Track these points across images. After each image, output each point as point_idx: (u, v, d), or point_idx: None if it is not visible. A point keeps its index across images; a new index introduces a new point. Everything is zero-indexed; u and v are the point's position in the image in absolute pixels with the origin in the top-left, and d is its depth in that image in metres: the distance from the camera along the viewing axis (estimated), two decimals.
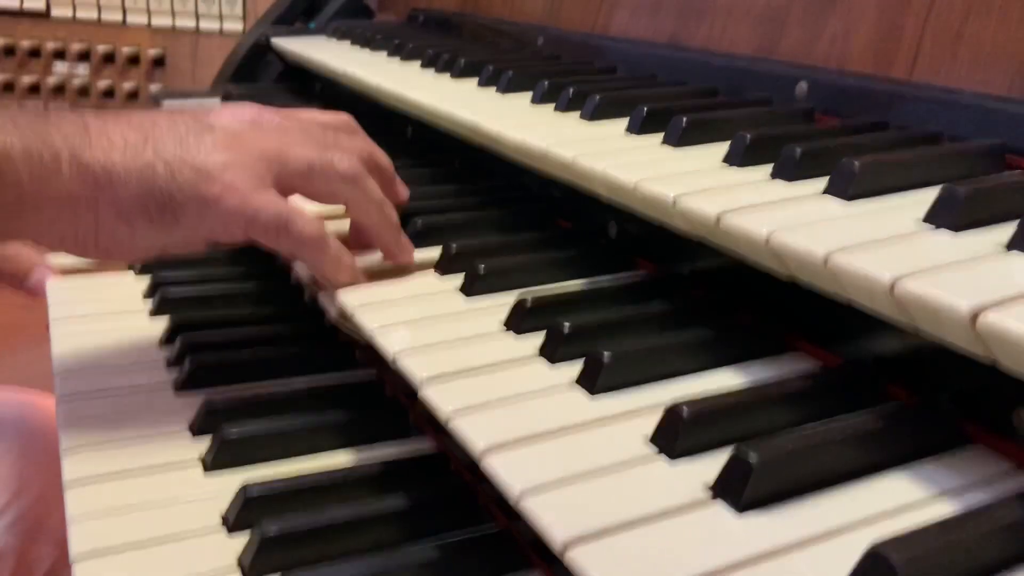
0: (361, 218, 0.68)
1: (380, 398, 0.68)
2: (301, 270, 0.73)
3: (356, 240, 0.72)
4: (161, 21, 2.03)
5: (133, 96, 2.13)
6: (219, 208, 0.60)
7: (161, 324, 0.78)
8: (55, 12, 2.05)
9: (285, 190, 0.64)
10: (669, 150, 0.65)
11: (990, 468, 0.44)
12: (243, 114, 0.65)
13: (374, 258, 0.70)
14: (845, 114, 0.70)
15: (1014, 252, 0.44)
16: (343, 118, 0.73)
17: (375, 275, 0.68)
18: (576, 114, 0.77)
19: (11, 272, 0.87)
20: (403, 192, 0.75)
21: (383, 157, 0.72)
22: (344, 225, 0.71)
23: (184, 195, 0.59)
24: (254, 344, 0.74)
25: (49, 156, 0.57)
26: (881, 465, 0.44)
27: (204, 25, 2.02)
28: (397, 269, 0.70)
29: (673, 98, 0.78)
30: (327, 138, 0.67)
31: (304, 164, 0.63)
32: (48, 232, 0.60)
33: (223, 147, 0.61)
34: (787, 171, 0.56)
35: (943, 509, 0.41)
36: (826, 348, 0.54)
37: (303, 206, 0.64)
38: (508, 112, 0.80)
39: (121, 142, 0.59)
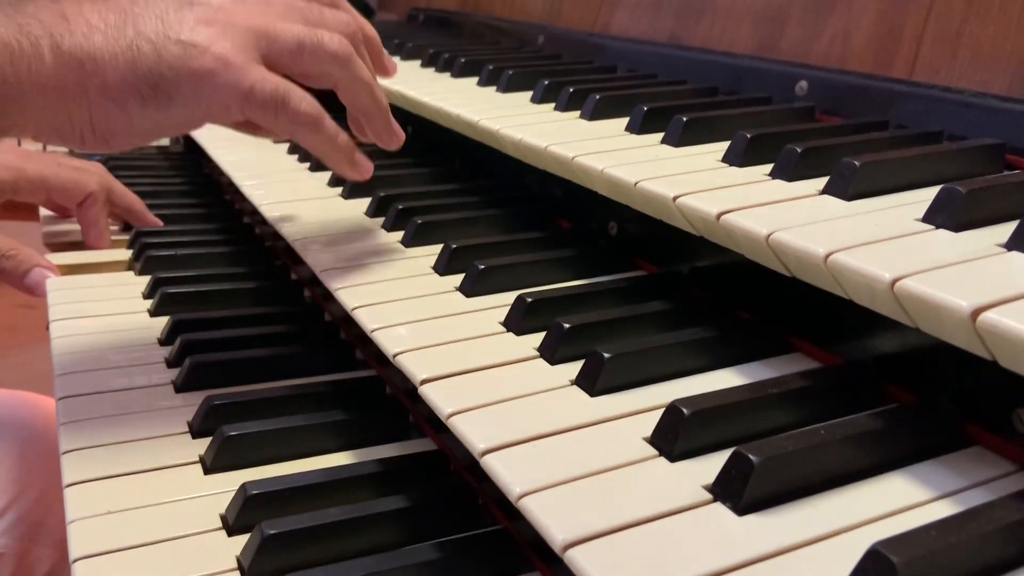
0: (351, 100, 0.66)
1: (380, 398, 0.68)
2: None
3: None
4: None
5: None
6: (214, 83, 0.58)
7: (161, 324, 0.78)
8: None
9: (272, 70, 0.62)
10: (669, 149, 0.65)
11: (990, 468, 0.44)
12: None
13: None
14: (845, 113, 0.70)
15: (1014, 252, 0.44)
16: None
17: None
18: (576, 113, 0.77)
19: (10, 269, 0.87)
20: (391, 65, 0.74)
21: (370, 28, 0.70)
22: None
23: (175, 72, 0.57)
24: (254, 344, 0.74)
25: (28, 45, 0.55)
26: (881, 466, 0.44)
27: None
28: (396, 268, 0.70)
29: (673, 97, 0.78)
30: (312, 13, 0.65)
31: (294, 42, 0.61)
32: (41, 125, 0.57)
33: (206, 22, 0.59)
34: (787, 170, 0.56)
35: (943, 509, 0.41)
36: (826, 348, 0.54)
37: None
38: (508, 111, 0.80)
39: (101, 24, 0.57)
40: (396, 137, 0.69)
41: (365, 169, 0.66)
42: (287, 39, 0.61)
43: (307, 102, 0.61)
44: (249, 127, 0.69)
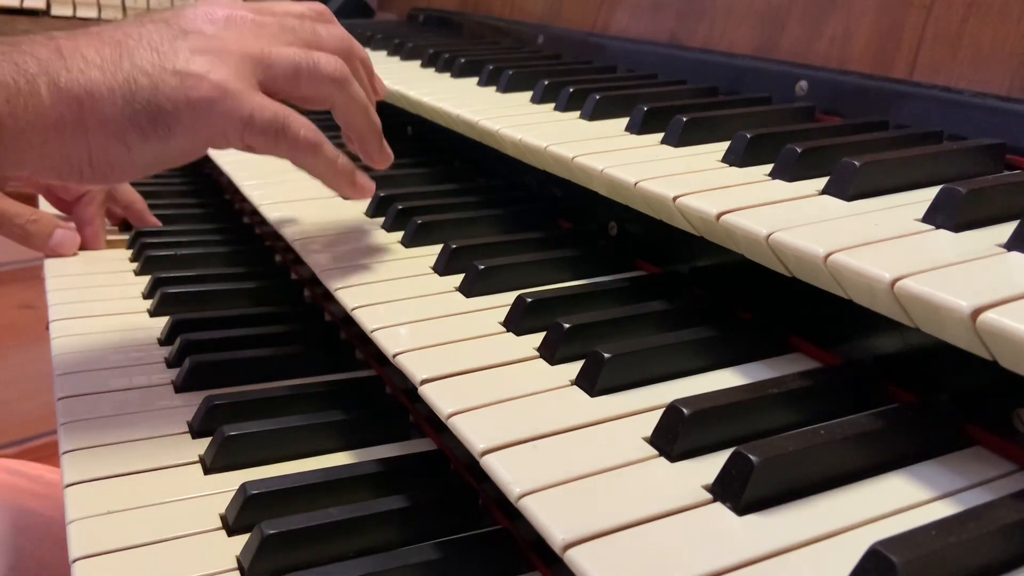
0: (347, 120, 0.67)
1: (380, 398, 0.68)
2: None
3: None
4: None
5: None
6: (213, 112, 0.58)
7: (161, 324, 0.78)
8: (55, 10, 2.04)
9: (270, 94, 0.62)
10: (669, 149, 0.65)
11: (990, 468, 0.44)
12: (215, 12, 0.62)
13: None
14: (845, 113, 0.70)
15: (1014, 252, 0.44)
16: (317, 7, 0.70)
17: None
18: (576, 113, 0.77)
19: (37, 233, 0.89)
20: (381, 86, 0.75)
21: (361, 48, 0.70)
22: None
23: (172, 103, 0.57)
24: (254, 344, 0.74)
25: (25, 83, 0.55)
26: (881, 465, 0.44)
27: None
28: (396, 268, 0.70)
29: (673, 97, 0.78)
30: (306, 32, 0.65)
31: (290, 67, 0.62)
32: (39, 162, 0.57)
33: (201, 51, 0.59)
34: (787, 170, 0.56)
35: (943, 509, 0.41)
36: (826, 348, 0.54)
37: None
38: (508, 111, 0.80)
39: (97, 59, 0.57)
40: (386, 157, 0.71)
41: (367, 189, 0.66)
42: (284, 64, 0.62)
43: (306, 128, 0.62)
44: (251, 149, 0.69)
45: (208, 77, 0.58)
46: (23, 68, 0.55)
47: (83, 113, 0.56)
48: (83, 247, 0.95)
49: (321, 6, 0.71)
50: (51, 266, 0.90)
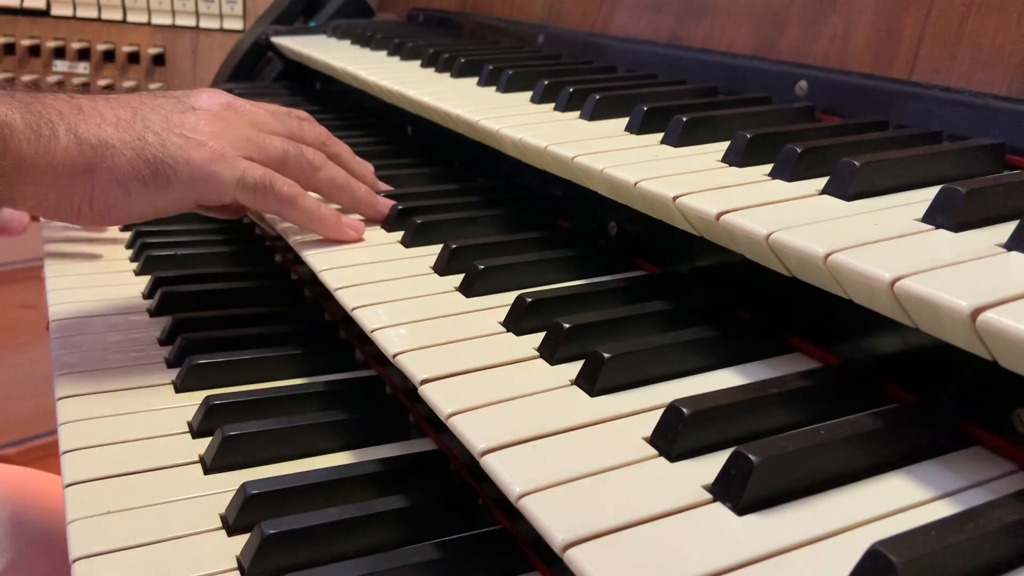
0: (333, 199, 0.77)
1: (380, 398, 0.68)
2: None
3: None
4: (161, 19, 2.03)
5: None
6: (208, 170, 0.66)
7: (161, 324, 0.78)
8: (55, 10, 2.04)
9: None
10: (669, 149, 0.65)
11: (990, 468, 0.44)
12: (219, 98, 0.73)
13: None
14: (845, 113, 0.70)
15: (1014, 252, 0.44)
16: (302, 112, 0.81)
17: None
18: (576, 113, 0.77)
19: None
20: (367, 168, 0.82)
21: (337, 141, 0.80)
22: None
23: (174, 159, 0.66)
24: (254, 344, 0.74)
25: (47, 129, 0.62)
26: (881, 466, 0.44)
27: (204, 23, 2.02)
28: (396, 268, 0.70)
29: (673, 97, 0.78)
30: (293, 125, 0.76)
31: (281, 152, 0.72)
32: (44, 199, 0.64)
33: (206, 122, 0.69)
34: (787, 170, 0.56)
35: (943, 509, 0.41)
36: (826, 348, 0.54)
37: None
38: (508, 111, 0.80)
39: (113, 117, 0.66)
40: (380, 215, 0.78)
41: (357, 229, 0.74)
42: (275, 149, 0.72)
43: (288, 184, 0.70)
44: (225, 211, 0.76)
45: (208, 143, 0.67)
46: (46, 117, 0.63)
47: (95, 159, 0.64)
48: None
49: (305, 113, 0.81)
50: (51, 266, 0.90)
